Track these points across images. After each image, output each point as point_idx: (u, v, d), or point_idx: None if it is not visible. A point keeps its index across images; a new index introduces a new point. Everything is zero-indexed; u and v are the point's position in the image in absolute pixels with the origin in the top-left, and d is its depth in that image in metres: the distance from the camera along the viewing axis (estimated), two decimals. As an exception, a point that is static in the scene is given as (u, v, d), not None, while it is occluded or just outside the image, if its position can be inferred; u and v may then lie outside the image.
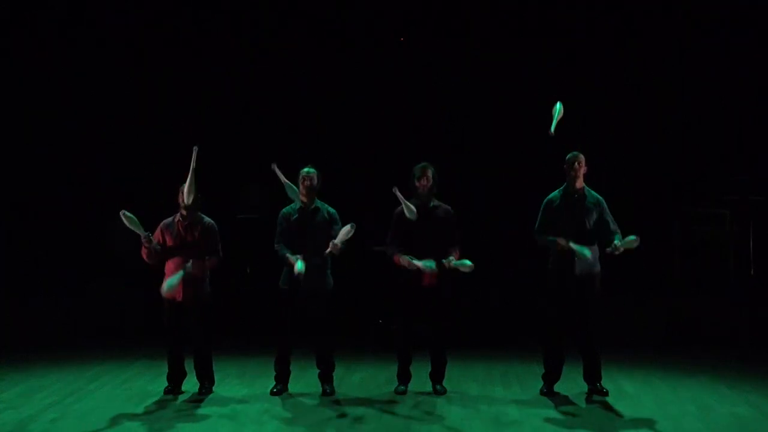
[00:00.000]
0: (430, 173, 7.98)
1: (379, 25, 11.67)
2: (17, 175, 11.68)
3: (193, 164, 7.62)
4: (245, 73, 11.76)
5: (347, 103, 11.70)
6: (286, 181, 7.88)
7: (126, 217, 7.49)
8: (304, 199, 7.97)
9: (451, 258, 7.78)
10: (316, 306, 7.92)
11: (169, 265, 7.92)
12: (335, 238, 7.73)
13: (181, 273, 7.68)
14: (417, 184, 7.98)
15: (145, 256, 7.83)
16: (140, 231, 7.61)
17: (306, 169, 7.98)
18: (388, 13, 11.60)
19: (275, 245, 7.97)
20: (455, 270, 7.77)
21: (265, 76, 11.75)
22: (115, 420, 7.16)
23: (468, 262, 7.72)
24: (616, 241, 7.69)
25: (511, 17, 11.54)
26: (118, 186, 11.41)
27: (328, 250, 7.71)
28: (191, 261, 7.73)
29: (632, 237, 7.63)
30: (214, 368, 8.17)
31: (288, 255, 7.80)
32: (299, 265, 7.57)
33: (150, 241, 7.72)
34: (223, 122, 11.74)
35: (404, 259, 7.78)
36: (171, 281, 7.65)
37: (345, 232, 7.70)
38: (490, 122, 11.54)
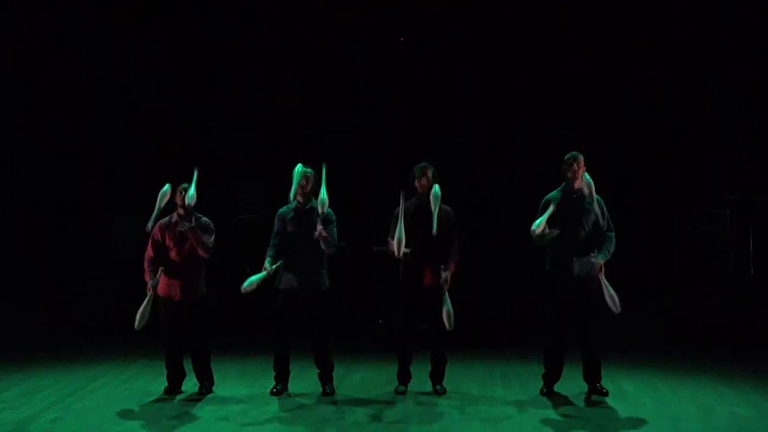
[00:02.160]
0: (430, 173, 7.98)
1: (379, 24, 11.66)
2: (17, 174, 11.68)
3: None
4: (246, 73, 11.75)
5: (347, 103, 11.69)
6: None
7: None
8: (301, 198, 7.96)
9: (446, 275, 7.81)
10: (313, 306, 7.92)
11: (166, 264, 7.94)
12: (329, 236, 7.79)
13: (263, 273, 7.72)
14: (417, 184, 7.98)
15: (146, 269, 7.91)
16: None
17: (301, 169, 7.98)
18: (388, 12, 11.60)
19: (269, 246, 7.98)
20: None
21: (265, 76, 11.74)
22: (115, 420, 7.17)
23: (448, 308, 7.68)
24: (600, 258, 7.68)
25: (510, 16, 11.53)
26: (118, 186, 11.41)
27: (316, 233, 7.73)
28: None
29: (616, 301, 7.57)
30: (213, 368, 8.17)
31: (267, 261, 7.83)
32: (252, 279, 7.69)
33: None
34: (224, 122, 11.73)
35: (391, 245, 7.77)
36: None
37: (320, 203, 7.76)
38: (490, 122, 11.53)
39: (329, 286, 8.02)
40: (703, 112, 11.36)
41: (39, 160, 11.73)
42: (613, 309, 7.60)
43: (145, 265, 7.95)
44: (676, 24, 11.35)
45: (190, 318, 7.95)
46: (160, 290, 7.98)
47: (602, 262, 7.70)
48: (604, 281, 7.62)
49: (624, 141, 11.33)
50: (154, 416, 7.32)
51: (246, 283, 7.68)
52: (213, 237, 7.99)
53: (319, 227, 7.72)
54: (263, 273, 7.73)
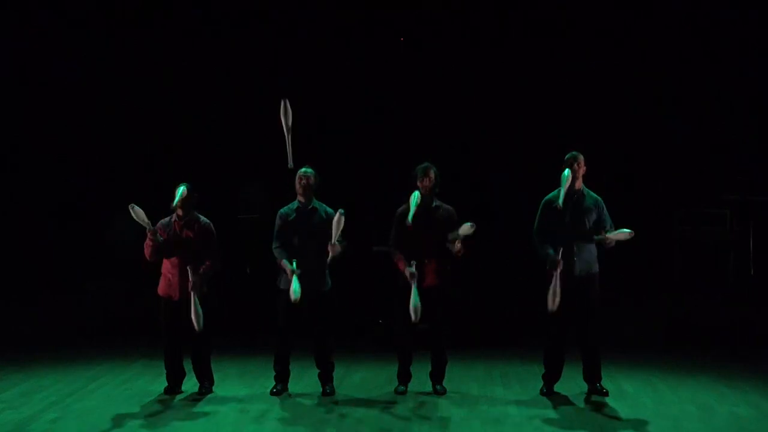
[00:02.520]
0: (432, 173, 7.97)
1: (379, 24, 11.65)
2: (17, 174, 11.68)
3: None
4: (246, 73, 11.75)
5: (347, 103, 11.69)
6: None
7: (134, 210, 7.53)
8: (302, 198, 7.95)
9: (458, 234, 7.77)
10: (315, 306, 7.93)
11: (166, 264, 7.96)
12: (332, 238, 7.71)
13: (295, 277, 7.65)
14: (419, 184, 7.97)
15: (147, 252, 7.86)
16: (147, 224, 7.65)
17: (303, 169, 8.00)
18: (388, 12, 11.60)
19: (273, 245, 7.98)
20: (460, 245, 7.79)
21: (265, 76, 11.73)
22: (115, 420, 7.16)
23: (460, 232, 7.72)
24: (607, 233, 7.70)
25: (510, 16, 11.53)
26: (118, 186, 11.41)
27: (330, 255, 7.72)
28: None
29: (626, 230, 7.62)
30: (213, 368, 8.17)
31: (285, 262, 7.79)
32: (295, 287, 7.58)
33: (155, 234, 7.76)
34: (224, 122, 11.72)
35: (407, 270, 7.77)
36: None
37: (336, 223, 7.66)
38: (490, 122, 11.53)
39: (331, 287, 8.03)
40: (703, 112, 11.35)
41: (39, 160, 11.72)
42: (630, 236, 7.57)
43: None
44: (676, 24, 11.34)
45: (190, 318, 7.93)
46: (160, 290, 7.99)
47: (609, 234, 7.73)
48: (614, 234, 7.66)
49: (624, 141, 11.33)
50: (154, 416, 7.31)
51: (295, 293, 7.57)
52: (216, 245, 8.00)
53: (334, 229, 7.71)
54: (295, 276, 7.64)
